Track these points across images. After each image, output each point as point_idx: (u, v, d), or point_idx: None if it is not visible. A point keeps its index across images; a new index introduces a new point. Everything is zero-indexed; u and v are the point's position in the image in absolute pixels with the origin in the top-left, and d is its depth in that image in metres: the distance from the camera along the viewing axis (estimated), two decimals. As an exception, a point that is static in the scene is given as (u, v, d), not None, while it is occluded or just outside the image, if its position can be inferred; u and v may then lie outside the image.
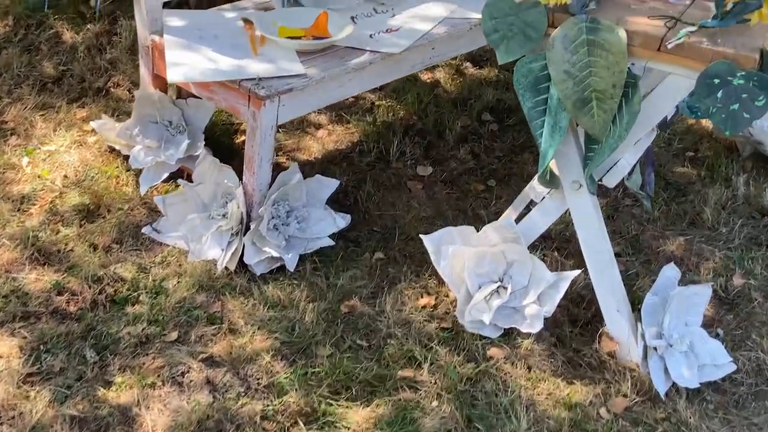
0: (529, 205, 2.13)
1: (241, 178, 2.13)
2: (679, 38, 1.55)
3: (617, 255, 2.21)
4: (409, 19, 2.44)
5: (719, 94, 1.54)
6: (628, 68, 1.59)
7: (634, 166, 1.90)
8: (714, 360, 1.86)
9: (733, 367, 1.86)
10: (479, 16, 2.44)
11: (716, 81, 1.54)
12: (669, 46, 1.56)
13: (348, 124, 2.79)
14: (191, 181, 2.22)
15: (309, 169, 2.52)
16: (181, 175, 2.35)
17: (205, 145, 2.35)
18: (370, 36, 2.32)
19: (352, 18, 2.43)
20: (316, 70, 2.10)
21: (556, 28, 1.66)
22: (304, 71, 2.08)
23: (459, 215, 2.40)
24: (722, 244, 2.31)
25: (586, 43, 1.63)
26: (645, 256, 2.26)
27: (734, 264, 2.23)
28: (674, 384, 1.82)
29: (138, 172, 2.35)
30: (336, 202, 2.34)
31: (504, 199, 2.48)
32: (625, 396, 1.80)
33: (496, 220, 2.11)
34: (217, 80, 2.05)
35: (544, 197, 1.93)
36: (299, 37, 2.23)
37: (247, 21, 2.30)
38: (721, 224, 2.38)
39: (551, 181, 1.85)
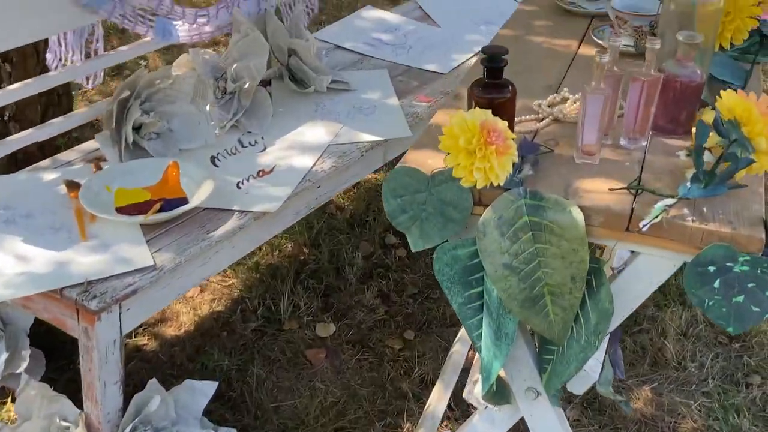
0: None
1: (82, 407, 1.59)
2: (655, 216, 1.14)
3: (575, 421, 1.78)
4: (284, 154, 1.96)
5: (716, 284, 1.14)
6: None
7: (604, 358, 1.49)
8: None
9: None
10: (372, 137, 2.04)
11: (711, 269, 1.14)
12: (643, 228, 1.15)
13: (224, 274, 2.28)
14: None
15: (179, 351, 1.99)
16: (4, 395, 1.78)
17: (33, 345, 1.80)
18: (238, 186, 1.83)
19: (213, 159, 1.94)
20: (168, 255, 1.59)
21: (485, 206, 1.22)
22: (151, 261, 1.57)
23: (376, 393, 1.93)
24: (695, 388, 1.93)
25: (530, 227, 1.19)
26: (610, 422, 1.85)
27: (718, 422, 1.84)
28: None
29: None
30: (217, 400, 1.83)
31: (428, 356, 2.03)
32: None
33: (422, 394, 1.65)
34: (29, 293, 1.50)
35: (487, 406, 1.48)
36: (144, 202, 1.72)
37: (71, 185, 1.76)
38: (688, 359, 2.01)
39: (500, 394, 1.41)
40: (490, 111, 1.15)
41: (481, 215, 1.23)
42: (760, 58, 1.57)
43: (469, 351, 1.90)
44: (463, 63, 2.46)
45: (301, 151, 1.97)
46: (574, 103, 1.47)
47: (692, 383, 1.94)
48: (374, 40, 2.63)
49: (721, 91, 1.23)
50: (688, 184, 1.17)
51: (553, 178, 1.25)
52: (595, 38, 1.74)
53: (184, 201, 1.73)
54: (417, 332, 2.12)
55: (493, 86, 1.25)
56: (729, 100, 1.19)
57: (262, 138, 2.04)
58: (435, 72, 2.41)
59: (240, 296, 2.21)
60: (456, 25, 2.75)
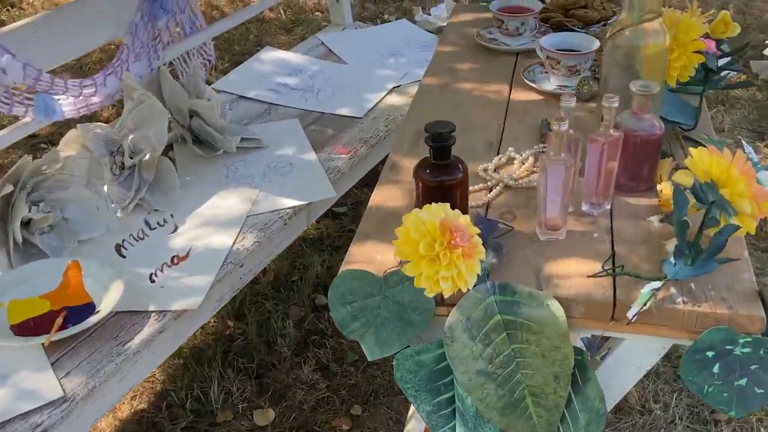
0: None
1: None
2: (643, 304, 1.02)
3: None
4: (199, 232, 1.77)
5: (716, 369, 1.03)
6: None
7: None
8: None
9: None
10: (294, 201, 1.85)
11: (710, 354, 1.02)
12: (632, 319, 1.02)
13: (144, 364, 2.05)
14: None
15: (102, 468, 1.76)
16: None
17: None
18: (151, 279, 1.62)
19: (118, 248, 1.72)
20: (79, 379, 1.38)
21: (449, 306, 1.07)
22: (60, 391, 1.35)
23: (331, 487, 1.76)
24: (663, 432, 1.85)
25: (504, 327, 1.05)
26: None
27: (694, 471, 1.76)
28: None
29: None
30: None
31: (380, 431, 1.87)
32: None
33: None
34: None
35: None
36: (44, 314, 1.49)
37: (-46, 303, 1.52)
38: (651, 401, 1.92)
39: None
40: (447, 205, 1.00)
41: (444, 315, 1.08)
42: (706, 92, 1.48)
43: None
44: (377, 104, 2.31)
45: (218, 228, 1.78)
46: (522, 164, 1.34)
47: (659, 427, 1.85)
48: (279, 85, 2.46)
49: (691, 150, 1.12)
50: (672, 260, 1.05)
51: (520, 264, 1.11)
52: (526, 80, 1.63)
53: (90, 308, 1.51)
54: (364, 406, 1.95)
55: (441, 167, 1.10)
56: (703, 161, 1.09)
57: (172, 216, 1.83)
58: (349, 117, 2.25)
59: (164, 389, 1.99)
60: (363, 59, 2.60)
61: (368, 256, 1.14)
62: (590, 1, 1.91)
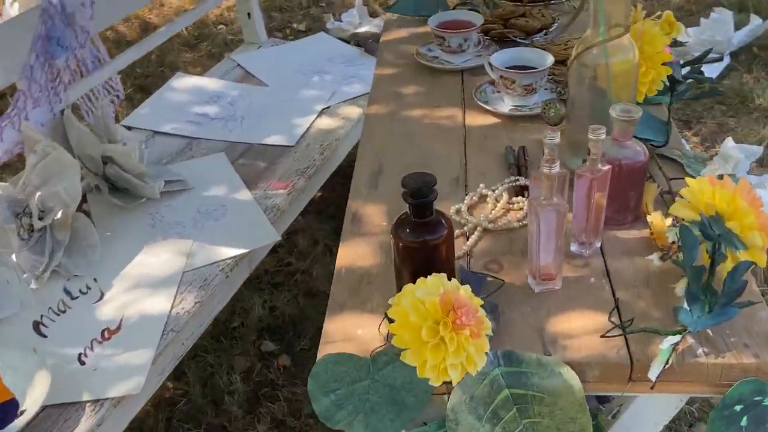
0: None
1: None
2: (665, 362, 0.92)
3: None
4: (129, 297, 1.58)
5: (744, 422, 0.94)
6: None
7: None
8: None
9: None
10: (234, 250, 1.67)
11: (738, 408, 0.93)
12: (654, 380, 0.92)
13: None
14: None
15: None
16: None
17: None
18: (81, 360, 1.44)
19: (37, 326, 1.53)
20: (10, 498, 1.19)
21: (448, 384, 0.95)
22: None
23: None
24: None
25: (513, 402, 0.93)
26: None
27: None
28: None
29: None
30: None
31: (350, 491, 1.73)
32: None
33: None
34: None
35: None
36: (-43, 419, 1.29)
37: None
38: None
39: None
40: (444, 276, 0.87)
41: (443, 393, 0.95)
42: (673, 103, 1.40)
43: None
44: (308, 129, 2.16)
45: (151, 290, 1.60)
46: (497, 201, 1.23)
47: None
48: (198, 116, 2.28)
49: (689, 180, 1.03)
50: (687, 307, 0.96)
51: (520, 325, 1.00)
52: (479, 102, 1.52)
53: (13, 406, 1.32)
54: (329, 461, 1.81)
55: (423, 225, 0.97)
56: (705, 192, 1.00)
57: (95, 280, 1.64)
58: (281, 146, 2.10)
59: (104, 471, 1.80)
60: (285, 80, 2.45)
61: (347, 333, 1.00)
62: (528, 10, 1.82)
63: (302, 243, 2.50)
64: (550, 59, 1.49)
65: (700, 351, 0.94)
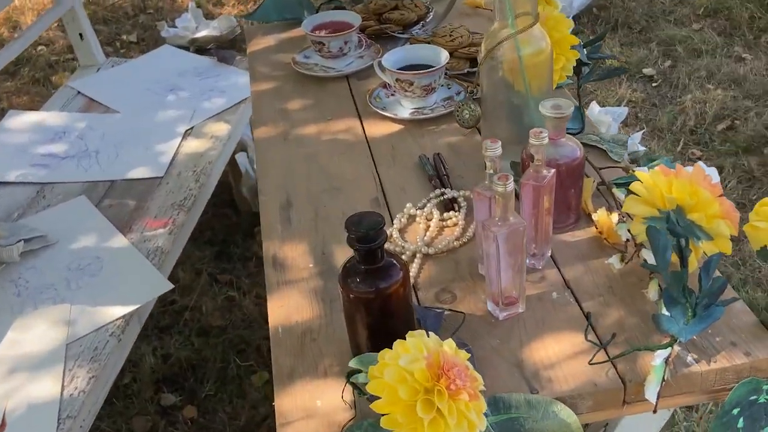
0: None
1: None
2: (660, 381, 0.85)
3: None
4: (10, 386, 1.37)
5: (740, 424, 0.89)
6: None
7: None
8: None
9: None
10: (121, 309, 1.38)
11: (735, 411, 0.89)
12: (652, 400, 0.85)
13: None
14: None
15: None
16: None
17: None
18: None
19: None
20: None
21: (433, 445, 0.84)
22: None
23: None
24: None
25: (508, 452, 0.84)
26: None
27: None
28: None
29: None
30: None
31: None
32: None
33: None
34: None
35: None
36: None
37: None
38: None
39: None
40: (423, 334, 0.76)
41: (427, 457, 0.84)
42: (581, 86, 1.35)
43: None
44: (175, 155, 1.98)
45: (33, 372, 1.39)
46: (428, 221, 1.13)
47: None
48: (45, 157, 2.03)
49: (640, 173, 0.97)
50: (667, 313, 0.90)
51: (496, 362, 0.90)
52: (375, 108, 1.41)
53: None
54: None
55: (375, 272, 0.85)
56: (660, 185, 0.94)
57: (-37, 372, 1.41)
58: (149, 178, 1.90)
59: None
60: (137, 103, 2.23)
61: (306, 407, 0.87)
62: (401, 2, 1.73)
63: (183, 276, 2.31)
64: (444, 55, 1.40)
65: (689, 359, 0.88)
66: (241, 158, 2.51)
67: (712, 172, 1.08)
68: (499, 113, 1.19)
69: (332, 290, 1.02)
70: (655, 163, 1.16)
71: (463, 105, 1.22)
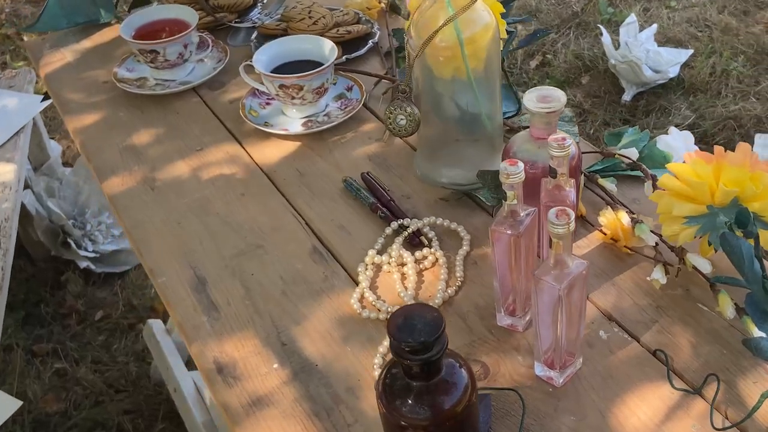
0: None
1: None
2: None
3: None
4: None
5: None
6: None
7: None
8: None
9: None
10: None
11: None
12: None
13: None
14: None
15: None
16: None
17: None
18: None
19: None
20: None
21: None
22: None
23: None
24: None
25: None
26: None
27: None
28: None
29: None
30: None
31: None
32: None
33: None
34: None
35: None
36: None
37: None
38: None
39: None
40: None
41: None
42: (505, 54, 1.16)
43: None
44: (-42, 220, 1.53)
45: None
46: (401, 266, 0.89)
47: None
48: None
49: (672, 165, 0.80)
50: (757, 332, 0.74)
51: (592, 451, 0.70)
52: (254, 125, 1.12)
53: None
54: None
55: (434, 387, 0.61)
56: (710, 174, 0.78)
57: None
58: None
59: None
60: None
61: None
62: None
63: (-8, 359, 1.87)
64: (329, 45, 1.14)
65: (793, 377, 0.74)
66: (27, 198, 2.08)
67: (687, 136, 0.95)
68: (447, 113, 0.96)
69: (323, 398, 0.76)
70: (626, 140, 1.00)
71: (394, 109, 0.97)
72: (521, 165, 0.71)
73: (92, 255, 2.12)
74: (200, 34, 1.25)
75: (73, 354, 1.92)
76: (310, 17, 1.28)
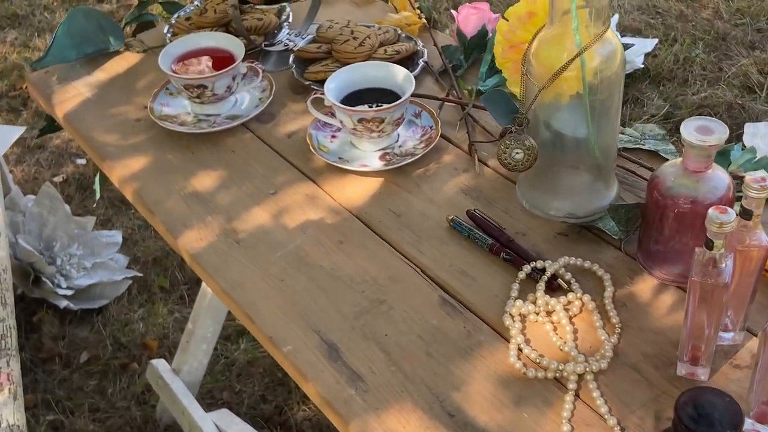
0: None
1: None
2: None
3: None
4: None
5: None
6: None
7: None
8: None
9: None
10: None
11: None
12: None
13: None
14: None
15: None
16: None
17: None
18: None
19: None
20: None
21: None
22: None
23: None
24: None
25: None
26: None
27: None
28: None
29: None
30: None
31: None
32: None
33: None
34: None
35: None
36: None
37: None
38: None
39: None
40: None
41: None
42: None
43: None
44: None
45: None
46: (549, 314, 0.84)
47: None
48: None
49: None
50: None
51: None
52: (329, 161, 1.05)
53: None
54: None
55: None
56: None
57: None
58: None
59: None
60: None
61: None
62: (232, 4, 1.31)
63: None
64: (402, 73, 1.07)
65: None
66: (-7, 236, 1.90)
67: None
68: (551, 141, 0.92)
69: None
70: (742, 160, 0.98)
71: (511, 143, 0.92)
72: (732, 212, 0.68)
73: (68, 292, 1.97)
74: (253, 64, 1.16)
75: (65, 403, 1.79)
76: (354, 38, 1.20)
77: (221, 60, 1.14)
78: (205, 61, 1.13)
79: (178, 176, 1.06)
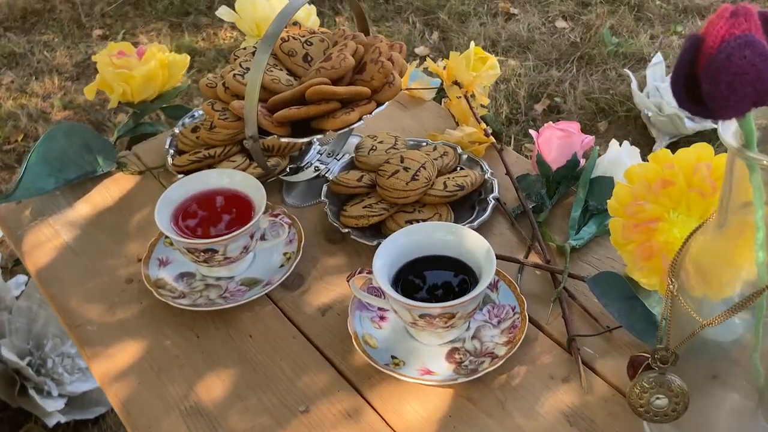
0: None
1: None
2: None
3: None
4: None
5: None
6: None
7: None
8: None
9: None
10: None
11: None
12: None
13: None
14: None
15: None
16: None
17: None
18: None
19: None
20: None
21: None
22: None
23: None
24: None
25: None
26: None
27: None
28: None
29: None
30: None
31: None
32: None
33: None
34: None
35: None
36: None
37: None
38: None
39: None
40: None
41: None
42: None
43: None
44: None
45: None
46: None
47: None
48: None
49: None
50: None
51: None
52: (375, 364, 0.79)
53: None
54: None
55: None
56: None
57: None
58: None
59: None
60: None
61: None
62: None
63: None
64: (473, 237, 0.81)
65: None
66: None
67: None
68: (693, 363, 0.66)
69: None
70: None
71: (650, 386, 0.65)
72: None
73: (59, 402, 1.73)
74: (272, 217, 0.90)
75: None
76: (405, 169, 0.95)
77: (233, 201, 0.89)
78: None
79: (179, 378, 0.81)
